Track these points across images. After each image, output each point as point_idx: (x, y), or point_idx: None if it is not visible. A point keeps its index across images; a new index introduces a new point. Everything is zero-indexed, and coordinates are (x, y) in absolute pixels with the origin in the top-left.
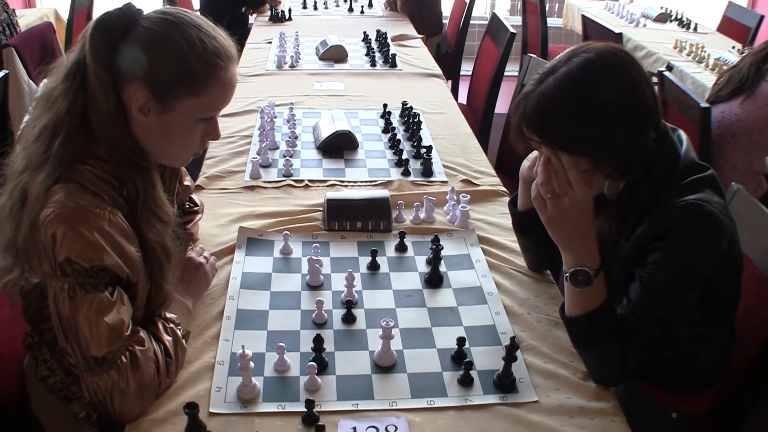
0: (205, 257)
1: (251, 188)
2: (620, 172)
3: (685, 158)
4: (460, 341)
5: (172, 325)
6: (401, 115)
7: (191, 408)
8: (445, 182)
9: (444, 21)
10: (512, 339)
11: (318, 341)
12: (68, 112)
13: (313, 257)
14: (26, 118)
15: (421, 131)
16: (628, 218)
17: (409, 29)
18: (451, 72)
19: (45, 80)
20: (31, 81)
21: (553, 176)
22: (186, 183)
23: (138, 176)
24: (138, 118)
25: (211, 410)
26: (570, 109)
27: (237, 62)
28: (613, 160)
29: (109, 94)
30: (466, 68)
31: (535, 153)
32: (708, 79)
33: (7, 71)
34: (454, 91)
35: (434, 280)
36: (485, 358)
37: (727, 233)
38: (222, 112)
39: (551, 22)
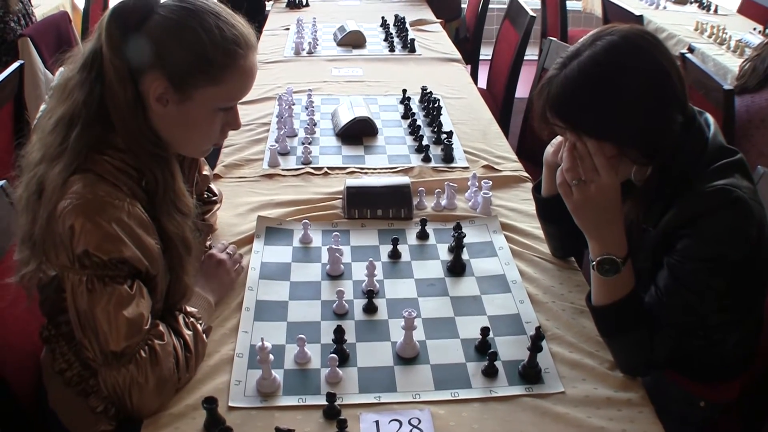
0: (228, 253)
1: (270, 176)
2: (647, 158)
3: (713, 142)
4: (484, 331)
5: (192, 319)
6: (421, 101)
7: (210, 403)
8: (466, 168)
9: (462, 6)
10: (537, 329)
11: (339, 332)
12: (85, 102)
13: (334, 246)
14: (42, 107)
15: (441, 117)
16: (655, 204)
17: (428, 14)
18: (470, 57)
19: (61, 69)
20: (47, 71)
21: (579, 162)
22: (204, 172)
23: (157, 167)
24: (156, 109)
25: (230, 404)
26: (595, 94)
27: (256, 50)
28: (640, 145)
29: (127, 84)
30: (485, 53)
31: (559, 138)
32: (730, 61)
33: (22, 61)
34: (474, 76)
35: (457, 268)
36: (510, 348)
37: (756, 219)
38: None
39: (570, 5)
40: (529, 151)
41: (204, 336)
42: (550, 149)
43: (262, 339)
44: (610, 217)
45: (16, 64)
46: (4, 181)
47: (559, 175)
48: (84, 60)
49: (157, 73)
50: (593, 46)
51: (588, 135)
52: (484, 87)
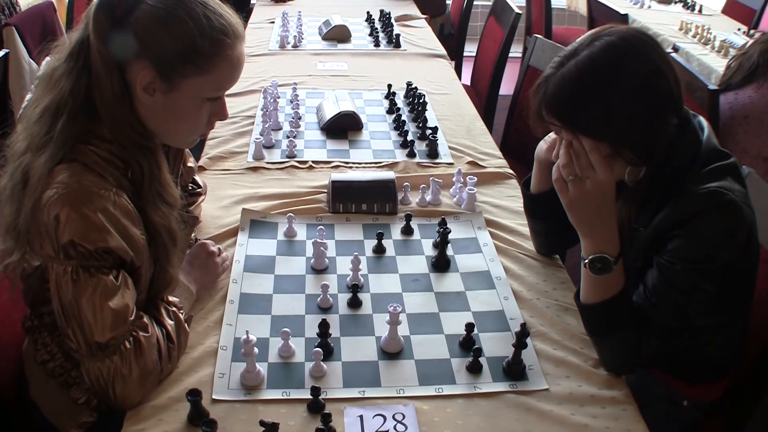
0: (219, 248)
1: (254, 169)
2: (641, 158)
3: (706, 145)
4: (469, 327)
5: (174, 308)
6: (406, 96)
7: (194, 395)
8: (451, 164)
9: (447, 2)
10: (523, 325)
11: (324, 326)
12: (71, 92)
13: (318, 240)
14: (28, 97)
15: (426, 112)
16: (647, 205)
17: (413, 9)
18: (454, 53)
19: (47, 59)
20: (31, 60)
21: (575, 159)
22: (189, 164)
23: (143, 157)
24: (143, 98)
25: (214, 397)
26: (591, 94)
27: (244, 40)
28: (635, 145)
29: (114, 73)
30: (469, 49)
31: (552, 134)
32: (714, 61)
33: (7, 50)
34: (458, 72)
35: (441, 263)
36: (494, 345)
37: (746, 222)
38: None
39: (554, 2)
40: (512, 148)
41: (186, 325)
42: (543, 146)
43: (247, 332)
44: (604, 215)
45: (0, 53)
46: None
47: (555, 170)
48: (71, 49)
49: (144, 63)
50: (591, 46)
51: (584, 134)
52: (468, 83)
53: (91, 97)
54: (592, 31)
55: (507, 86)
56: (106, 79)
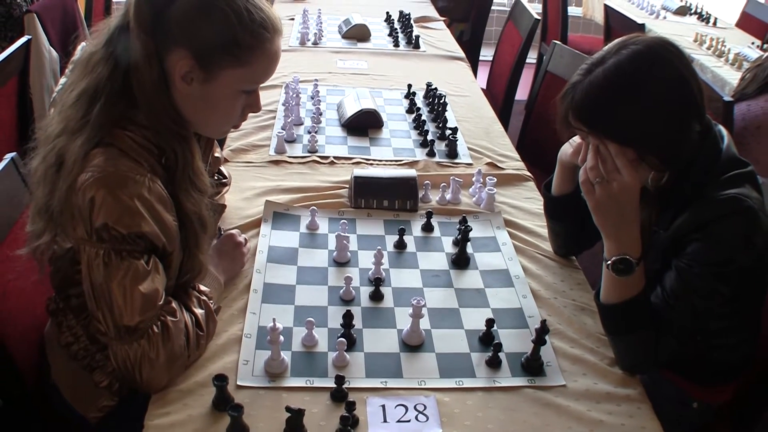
0: (245, 239)
1: (276, 163)
2: (665, 164)
3: (726, 153)
4: (489, 323)
5: (205, 297)
6: (425, 96)
7: (220, 380)
8: (470, 164)
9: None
10: (543, 322)
11: (348, 317)
12: (109, 77)
13: (341, 233)
14: (62, 81)
15: (446, 113)
16: (667, 208)
17: (431, 11)
18: (469, 56)
19: (83, 44)
20: (52, 48)
21: (601, 163)
22: (216, 155)
23: (178, 144)
24: (181, 87)
25: (238, 383)
26: (619, 101)
27: (282, 35)
28: (659, 151)
29: (153, 61)
30: (484, 53)
31: (577, 138)
32: (728, 74)
33: (29, 36)
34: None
35: (461, 261)
36: (512, 341)
37: (763, 229)
38: None
39: (570, 10)
40: (528, 152)
41: (215, 315)
42: (568, 149)
43: (274, 320)
44: (628, 217)
45: (23, 39)
46: (14, 154)
47: (582, 173)
48: (109, 35)
49: (183, 52)
50: (618, 54)
51: (610, 139)
52: (484, 87)
53: (129, 82)
54: (619, 39)
55: (521, 91)
56: (145, 67)
